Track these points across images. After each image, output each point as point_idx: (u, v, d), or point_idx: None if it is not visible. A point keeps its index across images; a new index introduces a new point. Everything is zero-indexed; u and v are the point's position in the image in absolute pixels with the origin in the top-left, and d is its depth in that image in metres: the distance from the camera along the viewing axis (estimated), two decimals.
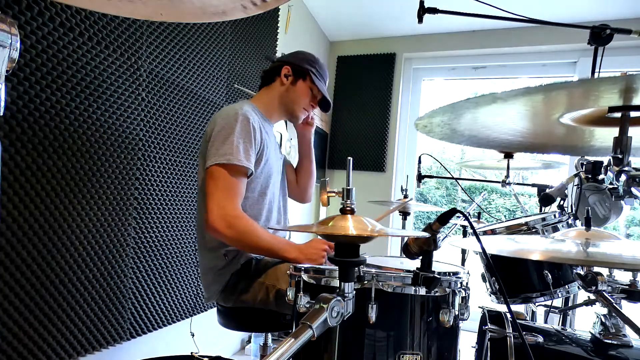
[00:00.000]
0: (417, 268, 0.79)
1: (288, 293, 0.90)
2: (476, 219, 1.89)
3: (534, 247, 0.87)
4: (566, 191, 1.42)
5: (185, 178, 1.81)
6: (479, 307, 1.07)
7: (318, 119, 3.29)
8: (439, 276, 0.78)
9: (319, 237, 1.32)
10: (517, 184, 1.96)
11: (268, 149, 1.37)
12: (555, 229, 1.25)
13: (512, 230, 1.31)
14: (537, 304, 1.39)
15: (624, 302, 0.88)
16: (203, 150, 1.30)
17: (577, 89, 0.75)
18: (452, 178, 2.07)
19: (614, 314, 0.87)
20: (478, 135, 1.03)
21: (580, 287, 1.06)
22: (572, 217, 1.29)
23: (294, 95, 1.44)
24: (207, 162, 1.22)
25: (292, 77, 1.43)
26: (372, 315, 0.80)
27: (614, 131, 0.80)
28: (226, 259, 1.30)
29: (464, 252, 1.78)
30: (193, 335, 1.55)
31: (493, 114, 0.87)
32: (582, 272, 0.81)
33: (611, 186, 0.87)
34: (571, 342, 0.97)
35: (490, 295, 1.42)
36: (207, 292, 1.36)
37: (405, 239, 0.82)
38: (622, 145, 0.78)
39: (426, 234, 0.77)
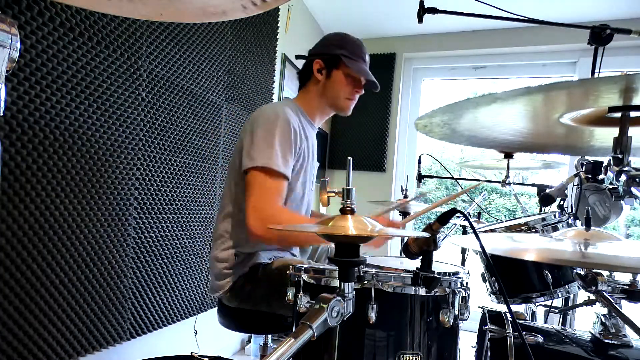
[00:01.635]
0: (417, 268, 0.79)
1: (288, 293, 0.90)
2: (476, 219, 1.89)
3: (533, 247, 0.87)
4: (566, 191, 1.42)
5: (185, 178, 1.81)
6: (479, 307, 1.07)
7: None
8: (439, 276, 0.78)
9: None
10: (517, 184, 1.96)
11: (306, 154, 1.33)
12: (555, 229, 1.25)
13: (512, 230, 1.31)
14: (537, 304, 1.39)
15: (624, 302, 0.88)
16: (239, 146, 1.28)
17: (577, 89, 0.75)
18: (452, 178, 2.07)
19: (614, 314, 0.87)
20: (478, 135, 1.03)
21: (580, 287, 1.06)
22: (572, 217, 1.29)
23: (332, 89, 1.35)
24: (247, 163, 1.19)
25: (325, 69, 1.34)
26: (372, 315, 0.80)
27: (614, 131, 0.80)
28: (236, 260, 1.29)
29: (464, 252, 1.78)
30: (196, 333, 1.55)
31: (493, 114, 0.87)
32: (582, 272, 0.81)
33: (611, 186, 0.87)
34: (571, 342, 0.97)
35: (490, 295, 1.41)
36: (214, 284, 1.35)
37: (405, 239, 0.82)
38: (622, 145, 0.78)
39: (426, 234, 0.77)
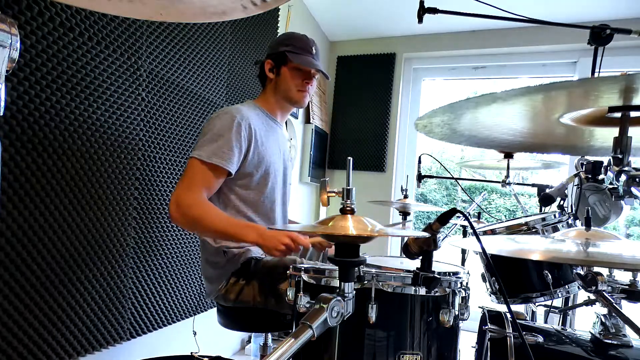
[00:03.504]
0: (417, 268, 0.79)
1: (288, 293, 0.90)
2: (476, 219, 1.89)
3: (534, 247, 0.87)
4: (566, 191, 1.42)
5: None
6: (479, 307, 1.07)
7: (318, 118, 3.29)
8: (439, 276, 0.78)
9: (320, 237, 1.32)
10: (517, 184, 1.96)
11: (264, 147, 1.37)
12: (555, 229, 1.25)
13: (512, 230, 1.31)
14: (537, 304, 1.39)
15: (624, 302, 0.88)
16: None
17: (577, 89, 0.75)
18: (452, 178, 2.07)
19: (614, 314, 0.87)
20: (478, 135, 1.03)
21: (580, 287, 1.06)
22: (572, 217, 1.29)
23: (282, 84, 1.42)
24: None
25: (275, 67, 1.42)
26: (372, 315, 0.80)
27: (614, 131, 0.80)
28: (225, 256, 1.31)
29: (464, 252, 1.78)
30: (195, 334, 1.55)
31: (493, 114, 0.87)
32: (582, 272, 0.81)
33: (611, 186, 0.87)
34: (571, 342, 0.97)
35: (490, 295, 1.41)
36: (208, 288, 1.37)
37: (405, 239, 0.82)
38: (622, 145, 0.78)
39: (426, 234, 0.77)
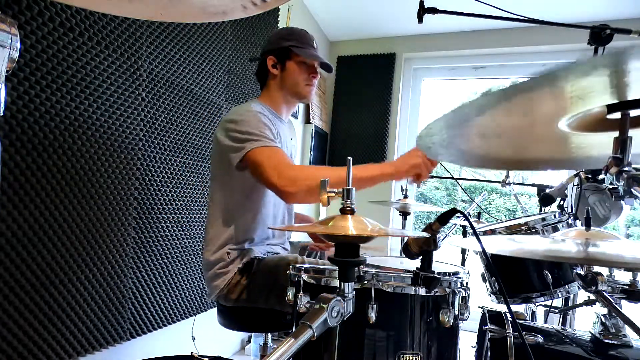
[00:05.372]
0: (417, 268, 0.79)
1: (288, 293, 0.90)
2: (476, 219, 1.89)
3: (534, 247, 0.87)
4: (566, 191, 1.42)
5: (185, 178, 1.81)
6: (479, 307, 1.07)
7: (318, 118, 3.29)
8: (439, 276, 0.78)
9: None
10: (517, 184, 1.96)
11: (281, 144, 1.36)
12: (555, 229, 1.25)
13: (512, 230, 1.31)
14: (537, 304, 1.39)
15: (624, 302, 0.88)
16: (217, 152, 1.32)
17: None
18: (452, 178, 2.07)
19: (614, 314, 0.87)
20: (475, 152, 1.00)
21: (580, 287, 1.06)
22: (572, 217, 1.29)
23: (289, 79, 1.40)
24: (239, 155, 1.22)
25: (279, 63, 1.41)
26: (372, 315, 0.80)
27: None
28: (229, 257, 1.31)
29: (464, 252, 1.78)
30: (194, 339, 1.55)
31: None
32: (582, 272, 0.81)
33: (611, 186, 0.87)
34: (571, 342, 0.97)
35: (490, 295, 1.41)
36: (210, 288, 1.36)
37: (405, 239, 0.82)
38: (622, 145, 0.78)
39: (426, 234, 0.77)
